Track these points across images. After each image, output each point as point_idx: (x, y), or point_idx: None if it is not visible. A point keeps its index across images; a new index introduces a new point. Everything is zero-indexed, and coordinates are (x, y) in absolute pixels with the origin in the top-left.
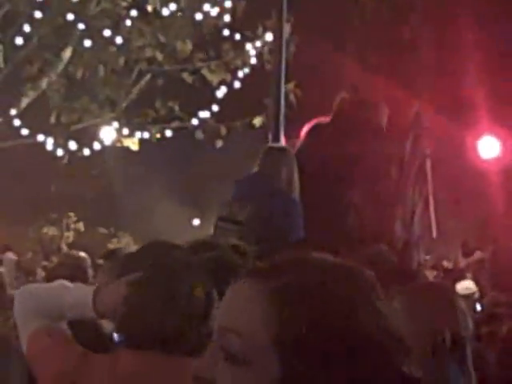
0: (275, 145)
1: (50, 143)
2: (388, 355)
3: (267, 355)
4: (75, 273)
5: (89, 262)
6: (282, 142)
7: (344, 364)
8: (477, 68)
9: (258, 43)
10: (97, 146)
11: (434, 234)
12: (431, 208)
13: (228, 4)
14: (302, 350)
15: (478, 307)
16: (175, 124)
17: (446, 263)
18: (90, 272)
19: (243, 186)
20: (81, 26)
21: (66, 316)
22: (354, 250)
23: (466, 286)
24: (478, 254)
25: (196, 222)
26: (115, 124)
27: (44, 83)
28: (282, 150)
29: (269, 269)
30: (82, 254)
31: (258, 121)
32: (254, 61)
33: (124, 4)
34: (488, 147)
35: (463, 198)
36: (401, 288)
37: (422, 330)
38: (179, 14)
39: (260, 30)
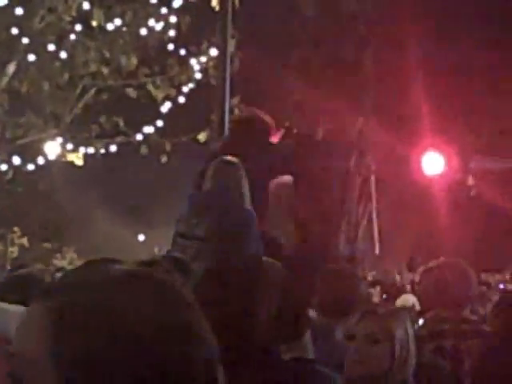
0: (227, 158)
1: None
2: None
3: (42, 375)
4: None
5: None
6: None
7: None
8: (421, 84)
9: (203, 58)
10: (41, 160)
11: (377, 250)
12: (374, 224)
13: (173, 19)
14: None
15: (420, 321)
16: (120, 139)
17: (387, 279)
18: None
19: (199, 200)
20: (25, 41)
21: None
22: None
23: (405, 299)
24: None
25: (141, 237)
26: (60, 139)
27: None
28: (233, 163)
29: (55, 286)
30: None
31: (202, 136)
32: (198, 76)
33: (68, 19)
34: (432, 163)
35: (408, 214)
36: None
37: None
38: (124, 28)
39: (205, 45)
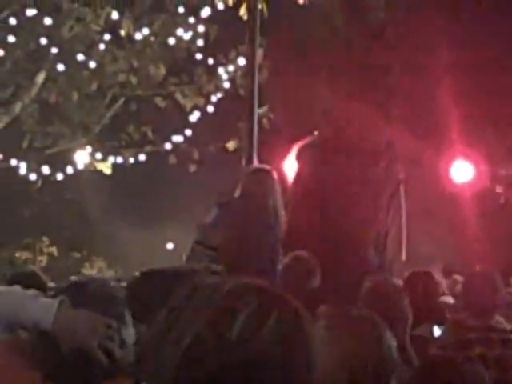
0: (259, 166)
1: (23, 168)
2: None
3: None
4: None
5: None
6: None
7: None
8: (450, 91)
9: (231, 68)
10: (70, 170)
11: (404, 257)
12: (403, 232)
13: (201, 29)
14: None
15: (437, 331)
16: (148, 148)
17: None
18: None
19: (224, 210)
20: (54, 51)
21: (23, 324)
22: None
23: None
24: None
25: (170, 245)
26: (88, 148)
27: (17, 107)
28: (265, 171)
29: None
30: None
31: (231, 145)
32: (227, 85)
33: (97, 28)
34: (461, 171)
35: (437, 222)
36: (329, 312)
37: (340, 362)
38: (152, 38)
39: (233, 54)
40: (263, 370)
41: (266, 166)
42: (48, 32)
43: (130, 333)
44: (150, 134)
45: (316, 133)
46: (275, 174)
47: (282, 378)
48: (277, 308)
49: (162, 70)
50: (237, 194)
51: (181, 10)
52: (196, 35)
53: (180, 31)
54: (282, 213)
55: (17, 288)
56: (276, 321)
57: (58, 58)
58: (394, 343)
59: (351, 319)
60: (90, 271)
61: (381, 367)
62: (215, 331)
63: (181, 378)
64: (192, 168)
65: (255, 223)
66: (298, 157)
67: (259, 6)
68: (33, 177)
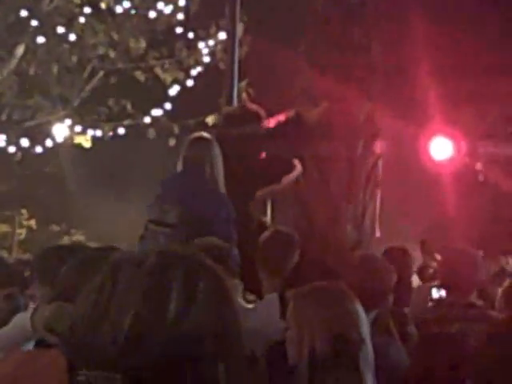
0: (198, 135)
1: (2, 140)
2: None
3: None
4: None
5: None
6: None
7: None
8: (429, 68)
9: (211, 42)
10: (49, 143)
11: (378, 234)
12: (376, 207)
13: (182, 2)
14: None
15: (442, 293)
16: (128, 122)
17: None
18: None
19: (170, 186)
20: (34, 23)
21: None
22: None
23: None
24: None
25: None
26: (68, 121)
27: None
28: (206, 140)
29: None
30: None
31: (210, 119)
32: (207, 59)
33: (77, 1)
34: (440, 148)
35: (416, 199)
36: (296, 291)
37: (307, 335)
38: (132, 11)
39: (213, 28)
40: (202, 342)
41: (205, 134)
42: (28, 4)
43: None
44: (129, 107)
45: (294, 109)
46: (214, 142)
47: (219, 347)
48: (203, 276)
49: (142, 44)
50: (178, 166)
51: None
52: (176, 9)
53: (160, 5)
54: (223, 182)
55: None
56: (204, 290)
57: (38, 30)
58: (363, 314)
59: (317, 291)
60: (69, 244)
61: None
62: (152, 309)
63: (122, 360)
64: (172, 142)
65: (204, 198)
66: (277, 133)
67: None
68: (12, 149)
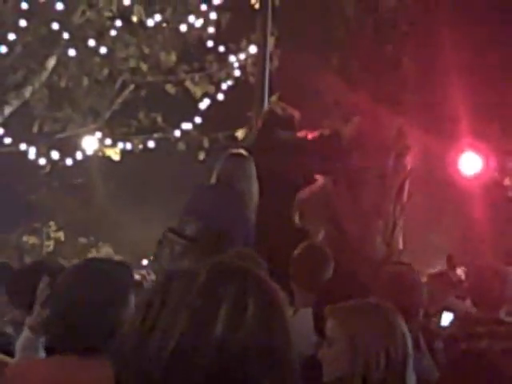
0: (235, 151)
1: (32, 152)
2: None
3: None
4: None
5: None
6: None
7: None
8: (459, 84)
9: (242, 56)
10: (79, 155)
11: (401, 246)
12: (400, 223)
13: (213, 16)
14: None
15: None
16: (158, 135)
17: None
18: None
19: (196, 198)
20: (65, 36)
21: None
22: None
23: None
24: (458, 270)
25: None
26: (98, 134)
27: (28, 92)
28: (241, 156)
29: None
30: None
31: (240, 133)
32: (237, 73)
33: (108, 14)
34: (469, 163)
35: (445, 214)
36: (341, 306)
37: (360, 348)
38: (164, 25)
39: (244, 42)
40: (250, 358)
41: (243, 151)
42: (60, 17)
43: None
44: (159, 120)
45: (327, 124)
46: (251, 160)
47: (268, 363)
48: (254, 291)
49: (173, 57)
50: (212, 181)
51: None
52: (207, 22)
53: (191, 18)
54: (256, 201)
55: None
56: (255, 306)
57: (69, 43)
58: (406, 330)
59: (366, 306)
60: (97, 256)
61: (395, 352)
62: (199, 329)
63: (165, 380)
64: (201, 156)
65: (226, 214)
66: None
67: None
68: (42, 161)
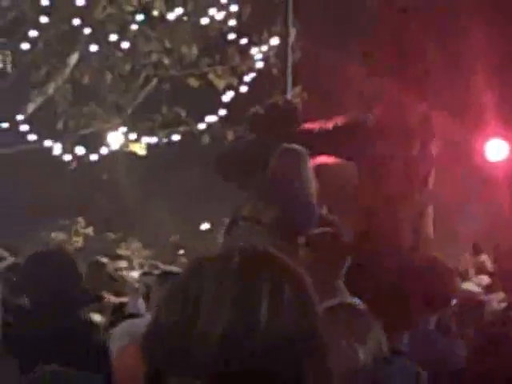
0: (291, 146)
1: (57, 148)
2: None
3: None
4: None
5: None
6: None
7: None
8: (485, 70)
9: (264, 47)
10: (104, 150)
11: (432, 235)
12: (431, 211)
13: (234, 8)
14: None
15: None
16: (182, 128)
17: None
18: None
19: (263, 186)
20: (87, 31)
21: None
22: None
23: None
24: (483, 257)
25: (205, 226)
26: (122, 129)
27: (51, 88)
28: (297, 151)
29: None
30: None
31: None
32: (260, 65)
33: (130, 9)
34: (496, 150)
35: (471, 201)
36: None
37: None
38: (185, 18)
39: (266, 34)
40: (294, 344)
41: (296, 146)
42: (81, 13)
43: None
44: (183, 114)
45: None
46: (306, 155)
47: (309, 347)
48: (288, 279)
49: (195, 50)
50: (271, 173)
51: None
52: (229, 15)
53: (212, 11)
54: (313, 194)
55: None
56: (291, 291)
57: (91, 38)
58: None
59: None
60: (125, 252)
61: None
62: (245, 315)
63: (216, 368)
64: None
65: (292, 204)
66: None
67: None
68: (67, 157)
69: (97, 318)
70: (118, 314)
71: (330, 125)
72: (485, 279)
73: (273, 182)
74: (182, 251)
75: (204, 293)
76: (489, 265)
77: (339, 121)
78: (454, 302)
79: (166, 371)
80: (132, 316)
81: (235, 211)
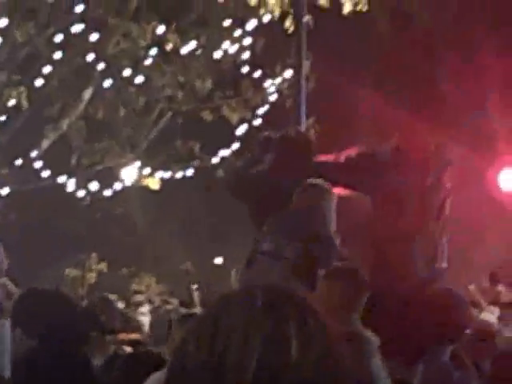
0: (315, 181)
1: (71, 185)
2: None
3: None
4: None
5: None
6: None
7: None
8: (498, 100)
9: (278, 80)
10: (118, 186)
11: (445, 264)
12: (444, 239)
13: (247, 41)
14: None
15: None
16: (196, 163)
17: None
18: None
19: (286, 222)
20: (100, 66)
21: None
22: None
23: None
24: (500, 287)
25: (218, 260)
26: (136, 164)
27: (65, 124)
28: (321, 187)
29: None
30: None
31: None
32: (273, 98)
33: (143, 43)
34: (509, 180)
35: (485, 231)
36: None
37: None
38: (198, 52)
39: (279, 66)
40: (322, 378)
41: (319, 181)
42: (94, 48)
43: None
44: (196, 148)
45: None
46: (330, 191)
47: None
48: (311, 313)
49: (209, 84)
50: (293, 208)
51: (226, 23)
52: (242, 48)
53: (226, 44)
54: (333, 230)
55: None
56: (315, 327)
57: (105, 73)
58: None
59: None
60: (139, 287)
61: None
62: (277, 351)
63: None
64: None
65: (313, 239)
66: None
67: (305, 18)
68: (81, 193)
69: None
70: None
71: (343, 157)
72: (496, 310)
73: (296, 217)
74: (195, 286)
75: (232, 332)
76: (505, 295)
77: (352, 152)
78: (468, 331)
79: None
80: None
81: (254, 245)
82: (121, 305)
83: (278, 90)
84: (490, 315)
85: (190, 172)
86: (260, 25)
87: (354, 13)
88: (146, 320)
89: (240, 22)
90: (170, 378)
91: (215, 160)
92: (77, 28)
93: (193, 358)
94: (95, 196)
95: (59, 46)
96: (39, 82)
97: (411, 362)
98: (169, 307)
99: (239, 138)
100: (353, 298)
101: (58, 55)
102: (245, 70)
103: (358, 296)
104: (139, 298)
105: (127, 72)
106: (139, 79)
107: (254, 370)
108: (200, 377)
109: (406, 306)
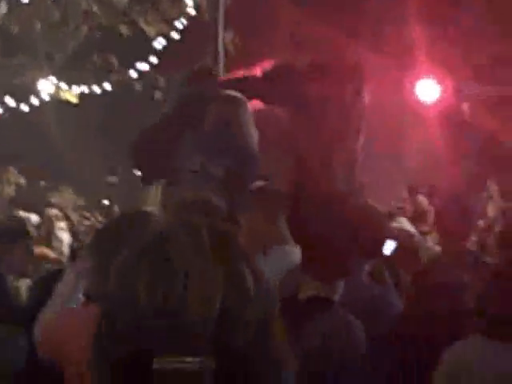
0: (229, 93)
1: None
2: None
3: None
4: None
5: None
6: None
7: None
8: (416, 11)
9: None
10: (35, 101)
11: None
12: (359, 151)
13: None
14: None
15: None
16: (114, 77)
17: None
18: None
19: (206, 139)
20: None
21: None
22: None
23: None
24: (421, 199)
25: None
26: (53, 78)
27: None
28: (237, 98)
29: None
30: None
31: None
32: (191, 11)
33: None
34: (427, 90)
35: (402, 143)
36: None
37: None
38: None
39: None
40: (272, 301)
41: (235, 93)
42: None
43: None
44: (114, 62)
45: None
46: (246, 102)
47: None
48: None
49: None
50: (210, 124)
51: None
52: None
53: None
54: (254, 141)
55: None
56: (253, 267)
57: None
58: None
59: None
60: (58, 200)
61: None
62: (238, 291)
63: (217, 342)
64: (157, 95)
65: (232, 154)
66: (265, 79)
67: None
68: None
69: None
70: None
71: (259, 70)
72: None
73: (215, 134)
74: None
75: (190, 266)
76: (425, 206)
77: (268, 65)
78: (392, 246)
79: (152, 351)
80: None
81: (173, 163)
82: (37, 218)
83: (197, 4)
84: (407, 223)
85: (108, 86)
86: None
87: None
88: (64, 236)
89: None
90: (119, 324)
91: (133, 74)
92: None
93: (145, 299)
94: (12, 111)
95: None
96: None
97: (332, 278)
98: (86, 223)
99: (157, 52)
100: (276, 214)
101: None
102: None
103: (277, 209)
104: (55, 212)
105: None
106: None
107: (219, 307)
108: (152, 318)
109: (326, 219)
